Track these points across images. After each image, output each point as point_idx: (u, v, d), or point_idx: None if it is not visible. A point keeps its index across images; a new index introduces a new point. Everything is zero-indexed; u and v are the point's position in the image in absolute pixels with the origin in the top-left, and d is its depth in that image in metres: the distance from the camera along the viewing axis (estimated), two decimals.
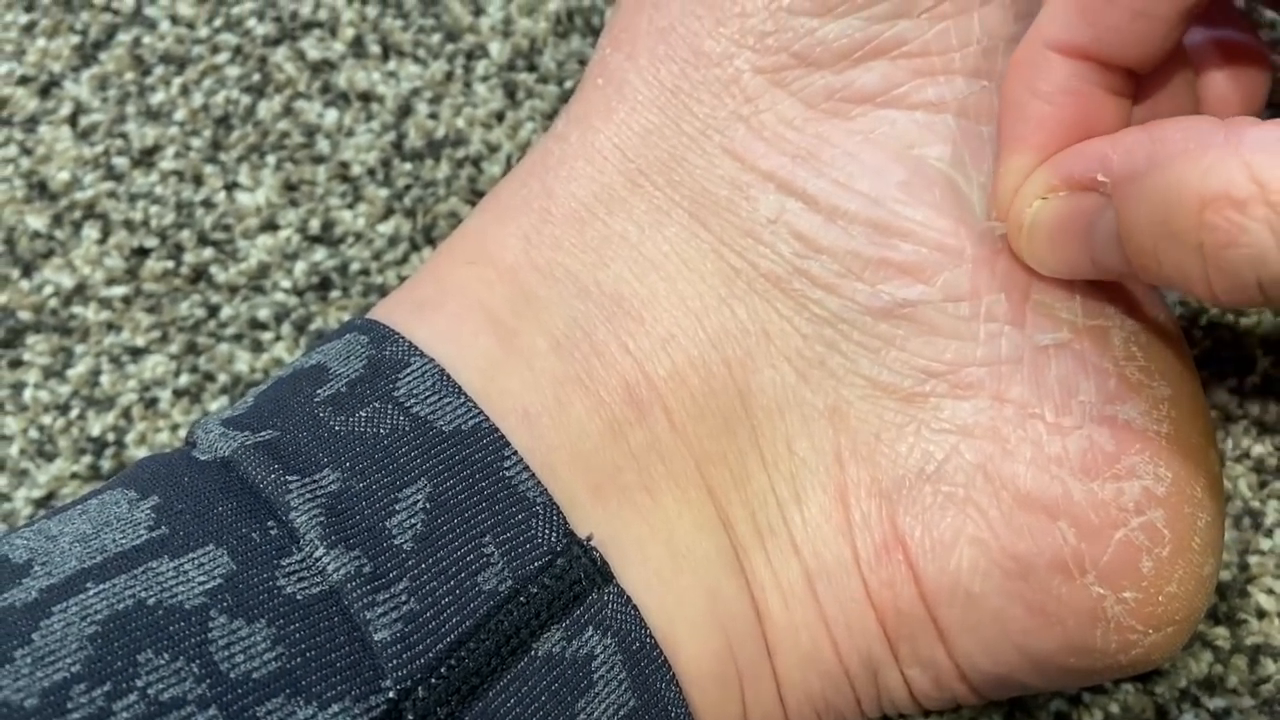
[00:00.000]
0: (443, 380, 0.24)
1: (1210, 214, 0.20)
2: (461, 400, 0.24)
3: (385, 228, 0.35)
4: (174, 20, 0.38)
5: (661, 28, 0.27)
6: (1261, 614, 0.30)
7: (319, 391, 0.24)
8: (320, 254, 0.35)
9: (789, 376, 0.26)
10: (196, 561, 0.22)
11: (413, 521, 0.23)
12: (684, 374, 0.26)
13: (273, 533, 0.22)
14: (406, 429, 0.24)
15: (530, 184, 0.28)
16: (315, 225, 0.35)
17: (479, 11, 0.37)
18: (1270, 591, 0.31)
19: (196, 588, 0.21)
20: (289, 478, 0.23)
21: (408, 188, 0.36)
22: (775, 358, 0.26)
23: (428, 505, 0.23)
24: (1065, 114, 0.24)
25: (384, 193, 0.36)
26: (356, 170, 0.36)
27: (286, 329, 0.35)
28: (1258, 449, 0.31)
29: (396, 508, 0.23)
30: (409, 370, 0.25)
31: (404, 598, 0.22)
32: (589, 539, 0.24)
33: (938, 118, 0.26)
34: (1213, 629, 0.30)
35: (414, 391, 0.24)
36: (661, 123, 0.27)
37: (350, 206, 0.36)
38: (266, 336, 0.35)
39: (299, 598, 0.22)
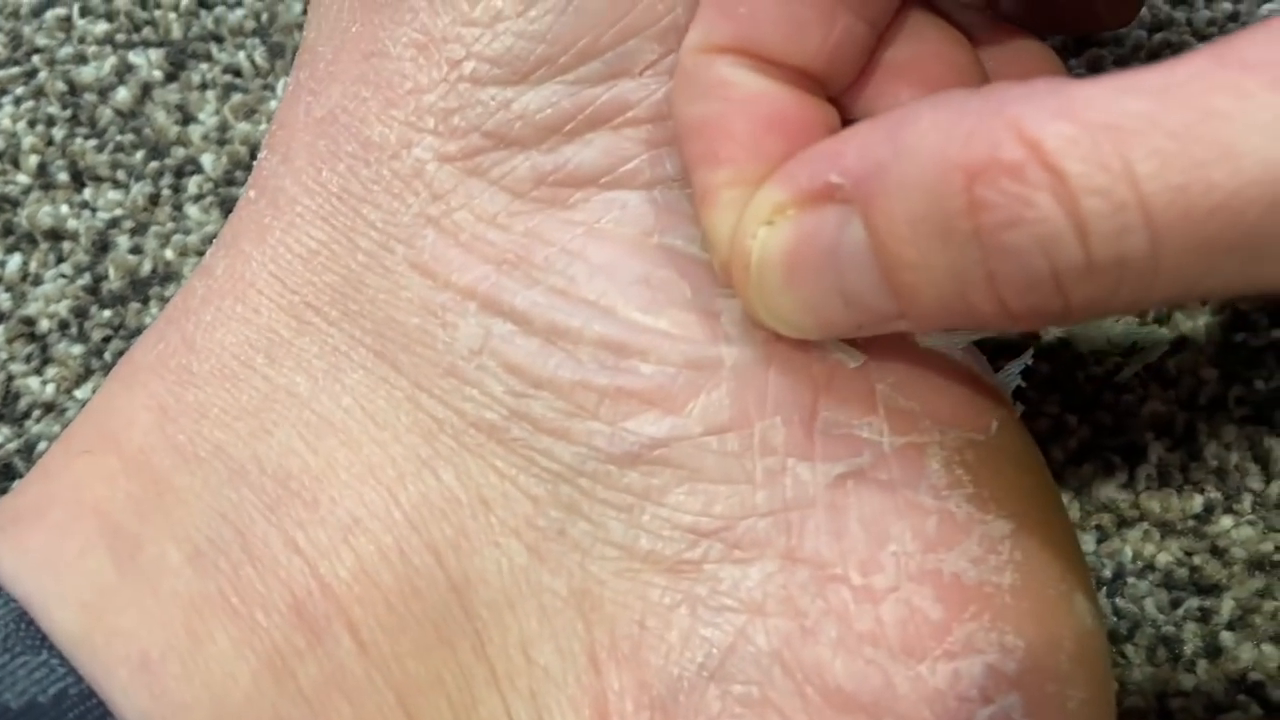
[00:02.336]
0: (19, 631, 0.18)
1: (981, 188, 0.15)
2: (43, 659, 0.18)
3: (83, 393, 0.29)
4: None
5: (320, 118, 0.21)
6: None
7: None
8: (0, 435, 0.28)
9: (518, 556, 0.20)
10: None
11: None
12: (374, 572, 0.19)
13: None
14: None
15: (168, 336, 0.21)
16: None
17: (188, 119, 0.31)
18: None
19: None
20: None
21: (108, 340, 0.29)
22: (498, 533, 0.20)
23: None
24: (755, 115, 0.18)
25: (79, 350, 0.29)
26: (45, 325, 0.29)
27: None
28: (1163, 557, 0.25)
29: None
30: None
31: None
32: None
33: (683, 194, 0.20)
34: None
35: None
36: (329, 239, 0.21)
37: (38, 371, 0.29)
38: None
39: None
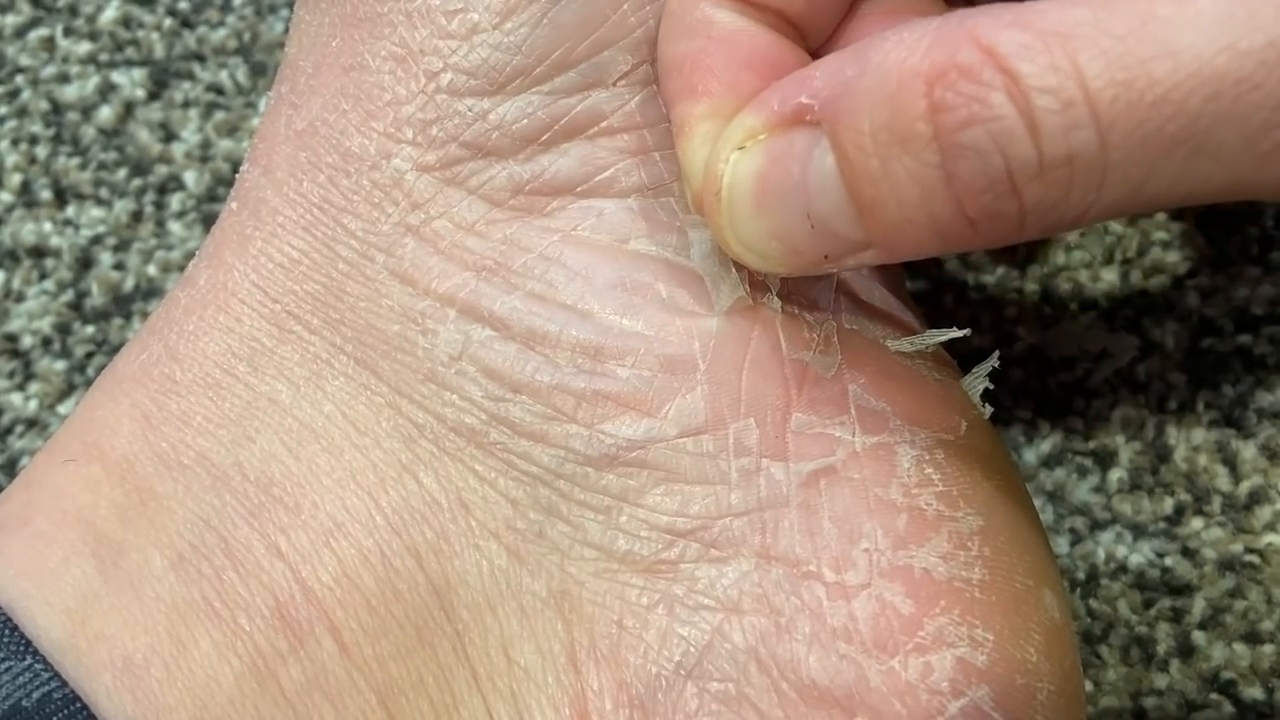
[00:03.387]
0: (4, 636, 0.18)
1: (940, 90, 0.16)
2: (27, 663, 0.18)
3: (65, 408, 0.29)
4: None
5: (301, 130, 0.21)
6: None
7: None
8: None
9: (498, 558, 0.20)
10: None
11: None
12: (356, 575, 0.20)
13: None
14: None
15: (151, 346, 0.21)
16: None
17: (170, 137, 0.31)
18: None
19: None
20: None
21: (90, 356, 0.29)
22: (478, 535, 0.20)
23: None
24: (734, 52, 0.19)
25: (61, 365, 0.29)
26: (28, 342, 0.30)
27: None
28: (1135, 559, 0.26)
29: None
30: None
31: None
32: None
33: (658, 203, 0.21)
34: None
35: None
36: (310, 248, 0.21)
37: (20, 388, 0.29)
38: None
39: None
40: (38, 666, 0.18)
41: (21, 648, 0.18)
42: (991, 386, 0.24)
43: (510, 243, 0.21)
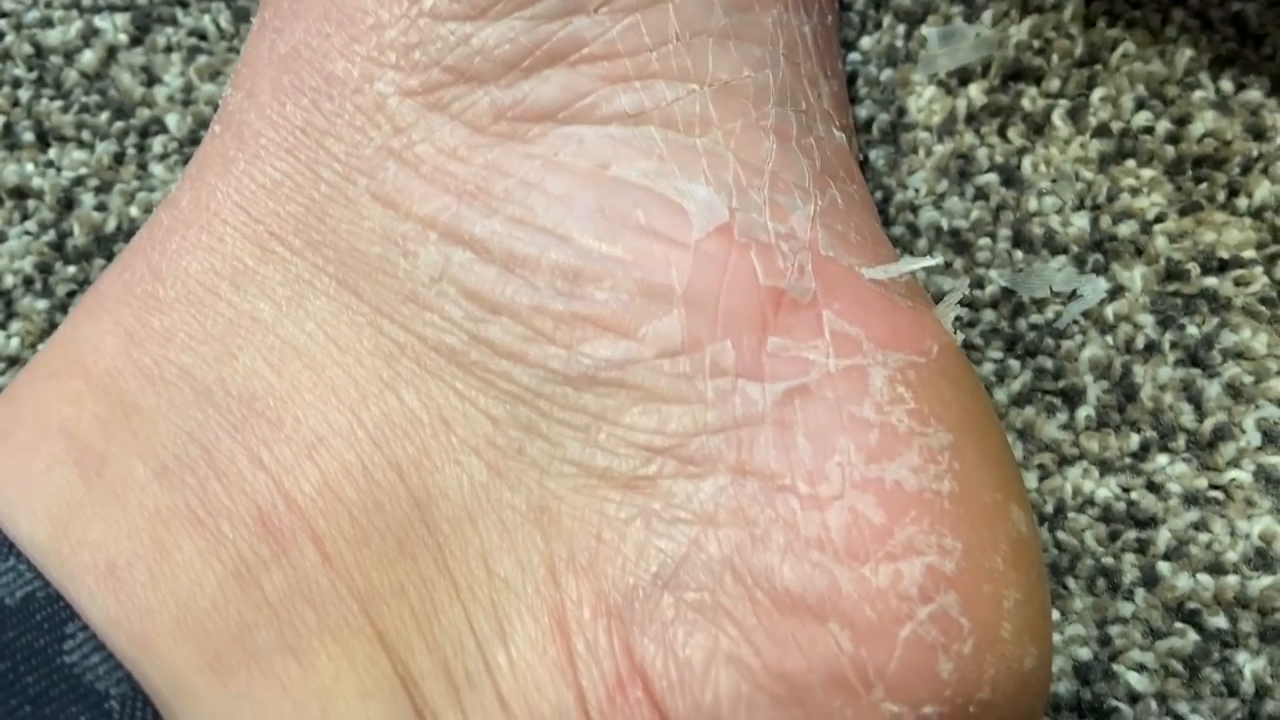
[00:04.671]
0: None
1: None
2: (10, 564, 0.18)
3: None
4: None
5: (284, 54, 0.22)
6: (1135, 698, 0.25)
7: None
8: None
9: (479, 473, 0.20)
10: None
11: None
12: (338, 487, 0.20)
13: None
14: None
15: (134, 265, 0.22)
16: None
17: (153, 81, 0.31)
18: (1141, 667, 0.25)
19: None
20: None
21: (72, 295, 0.30)
22: (459, 451, 0.20)
23: None
24: None
25: (43, 305, 0.29)
26: (9, 281, 0.30)
27: None
28: (1102, 493, 0.26)
29: None
30: None
31: None
32: None
33: (637, 130, 0.21)
34: None
35: None
36: (293, 170, 0.21)
37: (2, 326, 0.29)
38: None
39: None
40: (21, 567, 0.18)
41: (5, 549, 0.18)
42: (962, 314, 0.25)
43: (491, 168, 0.21)
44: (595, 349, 0.20)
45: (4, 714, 0.17)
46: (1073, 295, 0.27)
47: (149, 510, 0.19)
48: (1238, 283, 0.27)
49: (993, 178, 0.28)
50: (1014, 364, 0.27)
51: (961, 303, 0.22)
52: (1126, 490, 0.26)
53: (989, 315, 0.27)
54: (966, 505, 0.19)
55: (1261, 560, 0.25)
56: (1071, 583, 0.26)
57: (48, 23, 0.32)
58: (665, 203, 0.21)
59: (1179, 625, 0.25)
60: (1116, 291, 0.27)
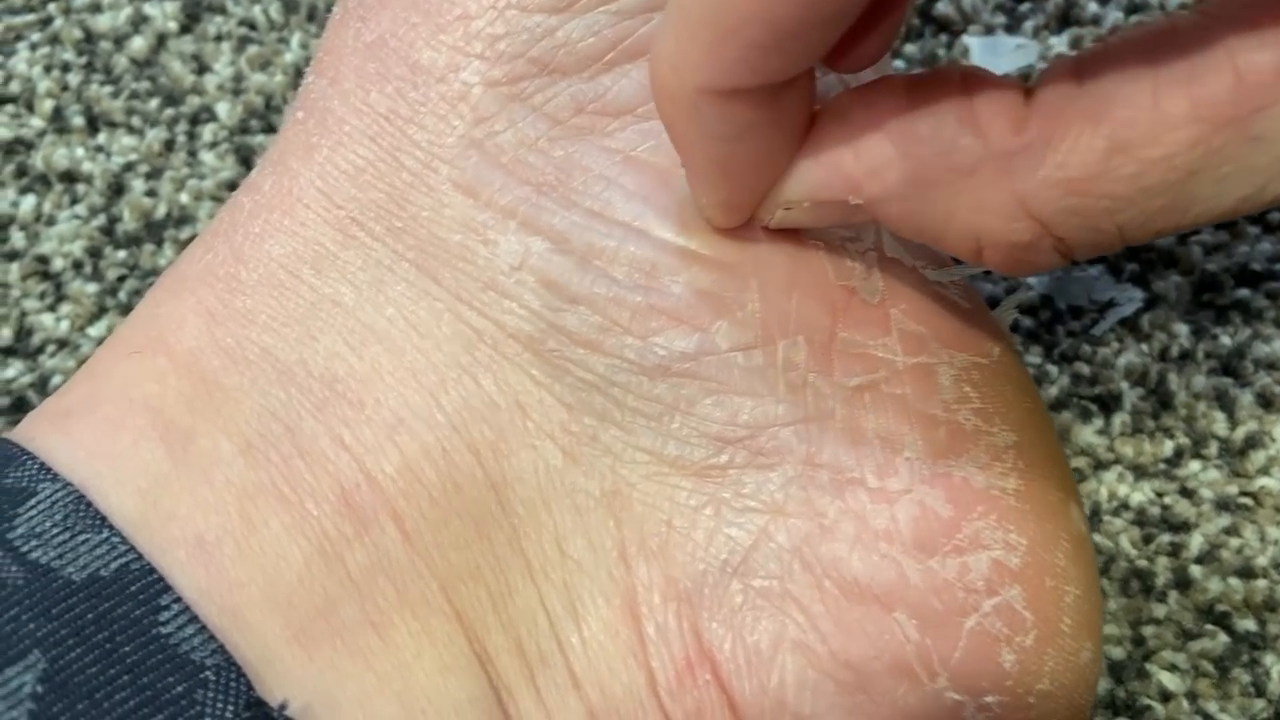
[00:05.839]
0: (79, 511, 0.19)
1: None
2: (104, 536, 0.18)
3: (97, 330, 0.29)
4: None
5: (370, 42, 0.22)
6: (1167, 696, 0.26)
7: None
8: (14, 369, 0.29)
9: (553, 458, 0.21)
10: None
11: (14, 716, 0.16)
12: (418, 468, 0.20)
13: None
14: (19, 583, 0.18)
15: (216, 248, 0.22)
16: (7, 334, 0.29)
17: (203, 69, 0.32)
18: (1173, 667, 0.26)
19: None
20: None
21: (122, 279, 0.30)
22: (535, 436, 0.21)
23: (38, 690, 0.17)
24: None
25: (93, 288, 0.30)
26: (59, 264, 0.30)
27: None
28: (1137, 497, 0.27)
29: None
30: (33, 502, 0.19)
31: None
32: (282, 707, 0.18)
33: None
34: None
35: (37, 530, 0.18)
36: (375, 157, 0.22)
37: (52, 309, 0.30)
38: None
39: None
40: (114, 539, 0.18)
41: (98, 522, 0.19)
42: (1020, 317, 0.26)
43: (570, 161, 0.21)
44: (670, 340, 0.21)
45: (103, 683, 0.17)
46: (1110, 304, 0.28)
47: (235, 486, 0.20)
48: (1270, 295, 0.28)
49: None
50: (1052, 369, 0.28)
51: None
52: (1160, 495, 0.27)
53: (1028, 322, 0.28)
54: (1031, 503, 0.20)
55: None
56: (1106, 584, 0.26)
57: (97, 8, 0.33)
58: None
59: (1210, 627, 0.26)
60: (1152, 301, 0.28)
